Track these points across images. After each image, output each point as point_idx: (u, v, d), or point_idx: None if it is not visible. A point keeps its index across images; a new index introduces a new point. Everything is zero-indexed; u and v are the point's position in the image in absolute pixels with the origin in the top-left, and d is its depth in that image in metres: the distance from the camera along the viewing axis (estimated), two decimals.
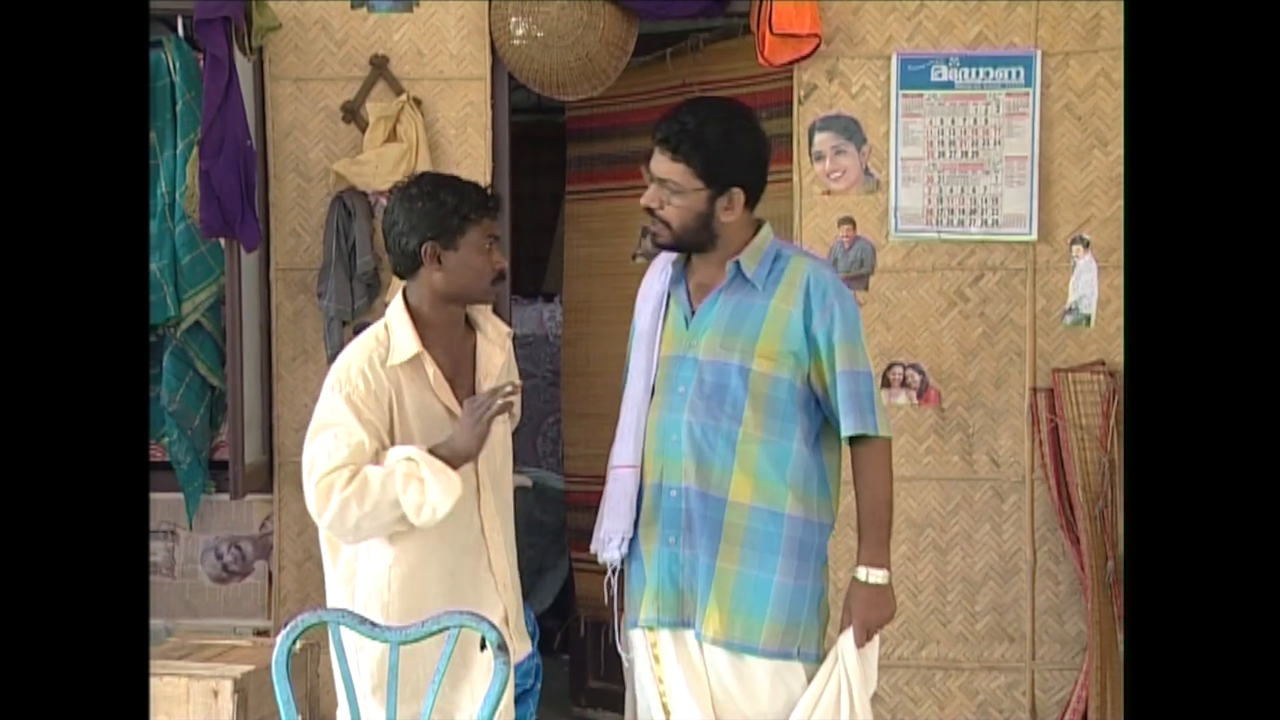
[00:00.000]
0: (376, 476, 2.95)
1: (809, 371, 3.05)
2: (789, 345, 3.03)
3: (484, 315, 3.24)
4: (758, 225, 3.13)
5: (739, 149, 3.04)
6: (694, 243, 3.08)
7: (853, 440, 3.06)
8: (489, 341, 3.20)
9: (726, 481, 3.03)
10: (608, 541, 3.14)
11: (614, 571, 3.17)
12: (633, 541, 3.12)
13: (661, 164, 3.05)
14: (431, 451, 2.99)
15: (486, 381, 3.15)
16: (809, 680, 3.05)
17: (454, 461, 2.99)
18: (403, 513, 2.96)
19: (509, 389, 3.07)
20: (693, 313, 3.11)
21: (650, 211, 3.08)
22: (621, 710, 5.07)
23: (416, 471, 2.94)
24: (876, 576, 3.04)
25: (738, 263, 3.07)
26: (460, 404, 3.08)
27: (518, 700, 3.28)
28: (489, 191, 3.15)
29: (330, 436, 2.99)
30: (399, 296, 3.15)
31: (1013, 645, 4.54)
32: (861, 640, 3.02)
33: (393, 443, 3.05)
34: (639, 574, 3.13)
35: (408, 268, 3.10)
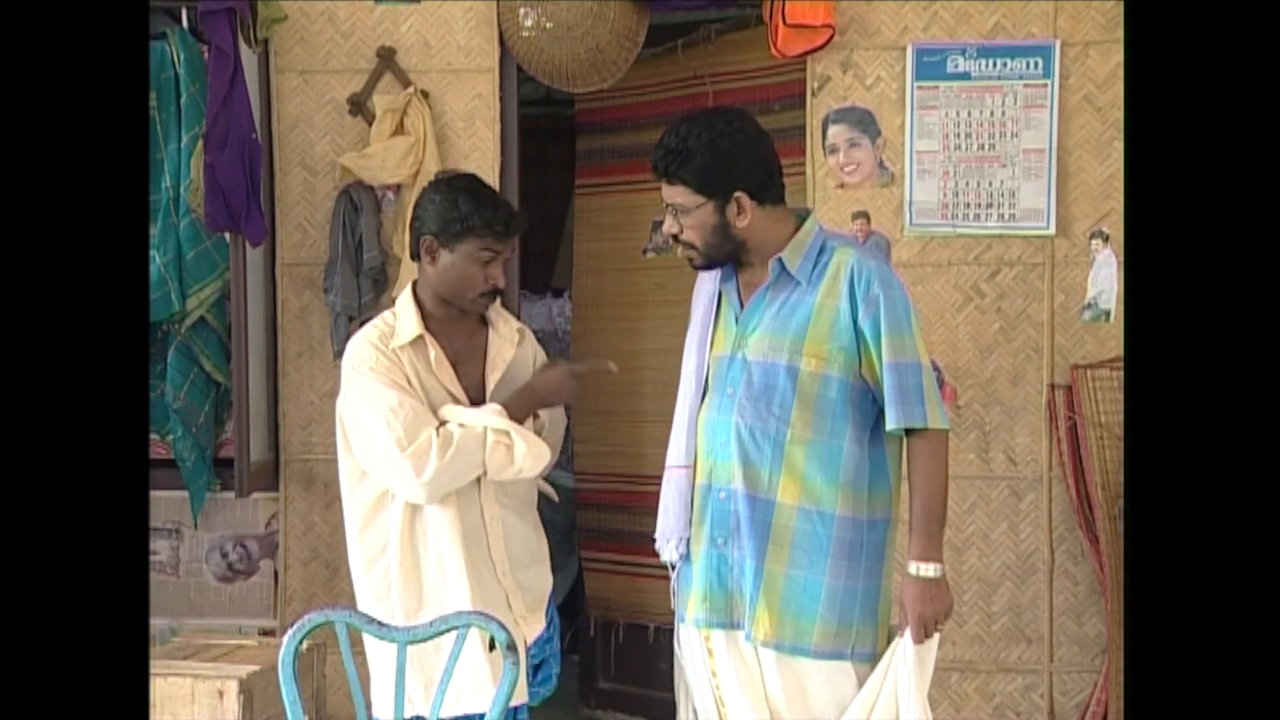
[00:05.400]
0: (463, 438, 3.10)
1: (860, 366, 3.00)
2: (837, 342, 2.98)
3: (495, 311, 3.34)
4: (800, 220, 3.10)
5: (726, 155, 2.99)
6: (723, 256, 3.07)
7: (906, 433, 3.02)
8: (500, 337, 3.30)
9: (774, 484, 3.00)
10: (665, 541, 3.14)
11: (674, 570, 3.15)
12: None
13: (665, 191, 3.06)
14: (514, 396, 3.21)
15: (493, 374, 3.26)
16: (860, 680, 3.01)
17: (532, 403, 3.22)
18: (483, 469, 3.15)
19: (612, 366, 3.43)
20: (742, 308, 3.08)
21: (675, 239, 3.09)
22: (631, 711, 5.09)
23: (504, 439, 3.13)
24: (928, 570, 3.00)
25: (780, 260, 3.03)
26: (464, 389, 3.20)
27: (536, 669, 3.32)
28: (512, 214, 3.23)
29: (389, 412, 3.10)
30: (410, 286, 3.27)
31: (1030, 647, 4.49)
32: (919, 636, 2.97)
33: None
34: (687, 573, 3.11)
35: (414, 253, 3.25)
